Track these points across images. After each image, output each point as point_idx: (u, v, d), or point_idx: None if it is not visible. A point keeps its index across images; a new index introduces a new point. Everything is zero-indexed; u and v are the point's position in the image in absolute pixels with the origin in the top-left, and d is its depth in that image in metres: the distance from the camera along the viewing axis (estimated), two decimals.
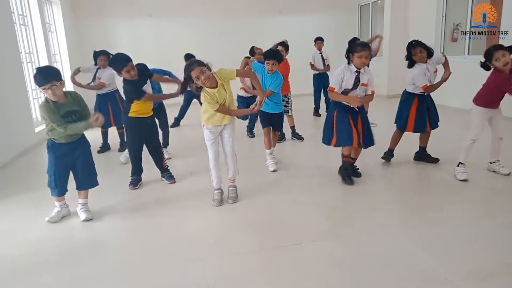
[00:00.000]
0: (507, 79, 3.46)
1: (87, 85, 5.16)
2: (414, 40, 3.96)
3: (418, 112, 4.03)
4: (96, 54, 5.09)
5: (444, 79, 3.94)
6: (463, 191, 3.48)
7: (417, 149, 4.34)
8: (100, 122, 2.87)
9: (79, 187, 3.19)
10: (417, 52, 3.88)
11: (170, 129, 6.76)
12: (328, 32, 9.25)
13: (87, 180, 3.19)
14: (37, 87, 2.86)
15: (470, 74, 7.41)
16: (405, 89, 4.15)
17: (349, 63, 3.47)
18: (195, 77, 2.96)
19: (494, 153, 3.81)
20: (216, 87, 3.08)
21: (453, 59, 7.77)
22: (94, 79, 5.15)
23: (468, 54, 7.37)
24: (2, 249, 2.78)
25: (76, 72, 5.23)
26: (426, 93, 4.00)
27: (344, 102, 3.51)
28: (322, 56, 7.15)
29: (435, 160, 4.23)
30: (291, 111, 5.41)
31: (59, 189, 3.11)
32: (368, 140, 3.60)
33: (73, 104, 2.95)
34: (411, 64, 3.98)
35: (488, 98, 3.64)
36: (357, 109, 3.52)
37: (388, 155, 4.30)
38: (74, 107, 2.95)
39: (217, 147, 3.33)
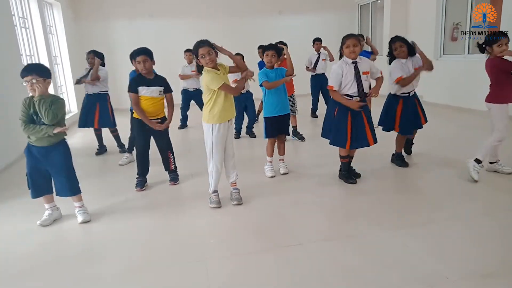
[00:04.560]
0: (504, 60, 3.48)
1: (86, 79, 5.11)
2: (396, 36, 4.01)
3: (403, 114, 4.03)
4: (86, 54, 5.14)
5: (421, 68, 3.88)
6: (464, 190, 3.48)
7: (420, 151, 4.35)
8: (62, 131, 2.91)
9: (57, 193, 3.12)
10: (397, 46, 3.92)
11: (178, 130, 6.82)
12: (328, 32, 9.27)
13: (63, 188, 3.07)
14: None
15: (470, 73, 7.44)
16: (389, 92, 4.16)
17: (341, 57, 3.53)
18: (201, 54, 3.04)
19: (494, 153, 3.79)
20: (218, 71, 3.13)
21: (453, 58, 7.86)
22: (85, 76, 5.12)
23: (468, 53, 7.37)
24: (3, 250, 2.79)
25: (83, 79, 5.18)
26: (410, 94, 4.01)
27: (349, 93, 3.49)
28: (319, 57, 7.09)
29: (405, 165, 4.17)
30: (297, 110, 5.47)
31: (33, 190, 3.04)
32: (374, 137, 3.60)
33: (48, 105, 2.84)
34: (391, 61, 4.01)
35: (499, 90, 3.59)
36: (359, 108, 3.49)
37: (397, 159, 4.23)
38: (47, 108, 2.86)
39: (223, 152, 3.29)
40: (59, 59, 8.32)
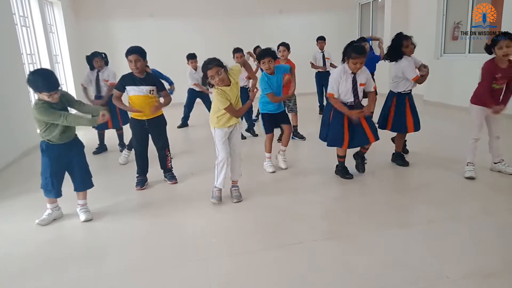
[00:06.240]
0: (498, 69, 3.46)
1: (95, 100, 5.05)
2: (402, 33, 3.96)
3: (383, 108, 4.11)
4: (90, 57, 5.01)
5: (427, 70, 3.94)
6: (466, 190, 3.48)
7: (421, 151, 4.36)
8: (106, 119, 2.92)
9: (77, 188, 3.17)
10: (409, 43, 3.90)
11: (178, 129, 6.81)
12: (329, 31, 9.26)
13: (84, 181, 3.18)
14: (39, 91, 2.77)
15: (471, 73, 7.42)
16: (390, 90, 4.16)
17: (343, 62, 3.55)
18: (210, 76, 3.02)
19: (496, 152, 3.79)
20: (229, 85, 3.11)
21: (454, 57, 7.85)
22: (97, 83, 5.04)
23: (469, 53, 7.36)
24: (3, 250, 2.79)
25: (84, 90, 5.12)
26: (403, 92, 4.02)
27: (344, 101, 3.56)
28: (323, 55, 7.20)
29: (405, 164, 4.16)
30: (296, 109, 5.49)
31: (57, 191, 3.07)
32: (375, 134, 3.62)
33: (63, 105, 2.94)
34: (398, 56, 3.93)
35: (480, 93, 3.63)
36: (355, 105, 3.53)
37: (398, 158, 4.22)
38: (63, 107, 2.94)
39: (228, 147, 3.31)
40: (59, 57, 8.33)
